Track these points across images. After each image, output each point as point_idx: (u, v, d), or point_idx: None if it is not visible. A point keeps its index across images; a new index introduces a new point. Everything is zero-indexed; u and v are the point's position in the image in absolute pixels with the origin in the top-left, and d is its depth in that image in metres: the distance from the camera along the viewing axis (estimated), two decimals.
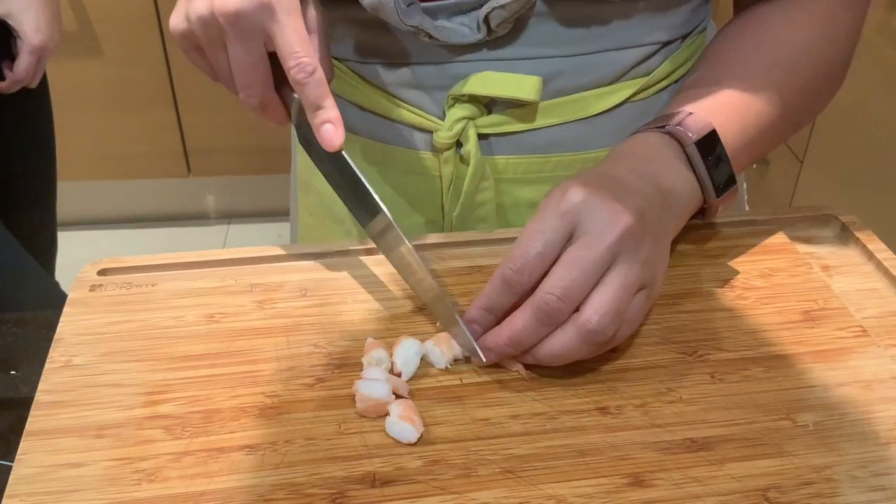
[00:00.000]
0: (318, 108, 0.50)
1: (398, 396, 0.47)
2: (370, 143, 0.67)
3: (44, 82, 1.19)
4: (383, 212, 0.52)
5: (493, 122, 0.62)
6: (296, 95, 0.51)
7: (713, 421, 0.46)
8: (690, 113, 0.54)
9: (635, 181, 0.50)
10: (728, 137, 0.54)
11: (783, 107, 0.58)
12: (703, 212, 0.56)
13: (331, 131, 0.50)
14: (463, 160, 0.63)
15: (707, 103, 0.56)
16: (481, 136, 0.62)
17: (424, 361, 0.49)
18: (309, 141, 0.53)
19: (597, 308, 0.45)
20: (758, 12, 0.62)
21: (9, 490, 0.42)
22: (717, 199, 0.54)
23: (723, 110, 0.56)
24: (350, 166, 0.52)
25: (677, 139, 0.53)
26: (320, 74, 0.49)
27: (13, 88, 1.07)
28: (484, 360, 0.48)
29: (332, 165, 0.53)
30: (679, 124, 0.53)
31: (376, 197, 0.52)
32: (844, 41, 0.61)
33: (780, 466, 0.43)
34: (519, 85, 0.60)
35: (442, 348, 0.49)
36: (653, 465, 0.43)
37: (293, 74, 0.49)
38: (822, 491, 0.42)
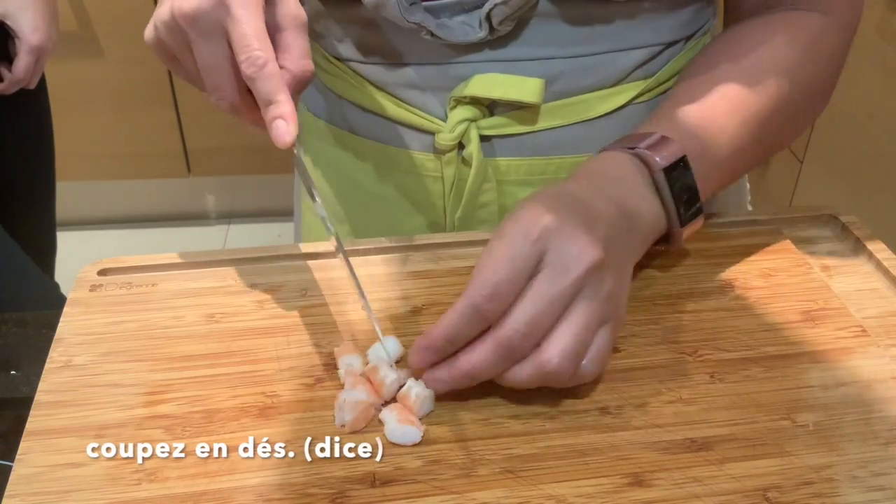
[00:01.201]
0: (269, 102, 0.48)
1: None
2: (372, 144, 0.67)
3: (42, 83, 1.18)
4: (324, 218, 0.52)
5: (495, 124, 0.62)
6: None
7: (713, 421, 0.46)
8: (662, 136, 0.52)
9: (602, 205, 0.48)
10: (699, 163, 0.53)
11: (759, 130, 0.57)
12: (666, 238, 0.54)
13: (282, 127, 0.48)
14: (465, 162, 0.63)
15: (681, 125, 0.54)
16: (483, 138, 0.62)
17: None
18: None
19: (557, 349, 0.43)
20: (741, 29, 0.61)
21: (9, 490, 0.42)
22: (681, 227, 0.52)
23: (697, 133, 0.54)
24: (303, 167, 0.52)
25: (646, 163, 0.52)
26: (272, 68, 0.47)
27: (12, 89, 1.06)
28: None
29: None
30: (649, 147, 0.52)
31: (320, 205, 0.51)
32: (827, 63, 0.60)
33: (780, 466, 0.43)
34: (521, 87, 0.59)
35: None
36: (653, 465, 0.43)
37: (243, 69, 0.47)
38: (822, 491, 0.42)
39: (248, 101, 0.50)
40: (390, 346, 0.49)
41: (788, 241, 0.60)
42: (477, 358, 0.44)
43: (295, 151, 0.50)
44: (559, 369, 0.43)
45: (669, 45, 0.63)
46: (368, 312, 0.50)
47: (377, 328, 0.49)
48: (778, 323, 0.53)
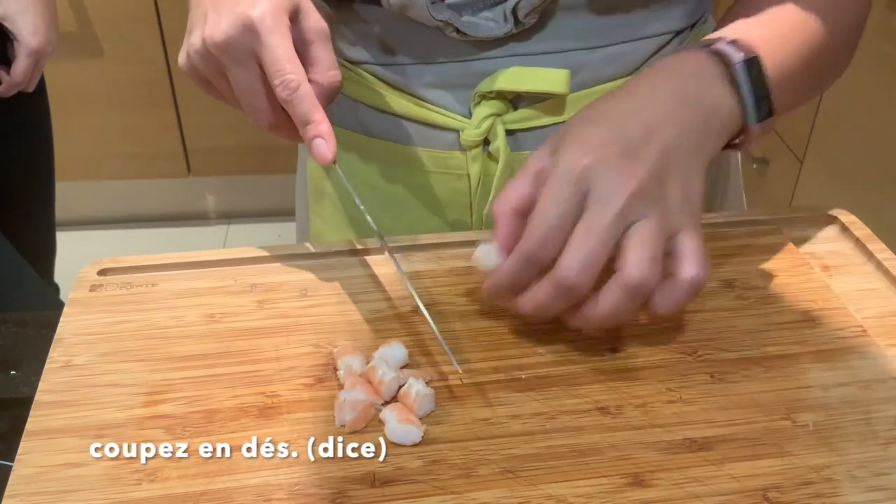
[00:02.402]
0: (306, 122, 0.50)
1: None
2: (391, 146, 0.67)
3: (41, 85, 1.18)
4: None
5: (520, 118, 0.62)
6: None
7: (713, 421, 0.46)
8: (735, 38, 0.53)
9: (672, 107, 0.49)
10: (769, 67, 0.53)
11: (812, 57, 0.57)
12: (739, 140, 0.54)
13: (322, 145, 0.50)
14: (491, 157, 0.63)
15: (748, 34, 0.55)
16: (508, 132, 0.63)
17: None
18: None
19: (633, 263, 0.45)
20: None
21: (9, 490, 0.42)
22: (756, 124, 0.53)
23: (762, 42, 0.54)
24: (343, 181, 0.52)
25: (724, 57, 0.52)
26: (306, 89, 0.49)
27: (10, 92, 1.06)
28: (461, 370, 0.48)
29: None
30: (726, 44, 0.52)
31: (367, 215, 0.53)
32: (854, 16, 0.61)
33: (780, 466, 0.43)
34: (548, 78, 0.60)
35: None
36: (653, 465, 0.43)
37: (278, 93, 0.49)
38: (822, 491, 0.42)
39: (285, 118, 0.52)
40: (397, 352, 0.49)
41: (788, 241, 0.60)
42: (539, 298, 0.46)
43: (335, 166, 0.52)
44: (642, 278, 0.44)
45: (678, 33, 0.65)
46: (426, 317, 0.50)
47: (435, 331, 0.49)
48: (778, 323, 0.53)
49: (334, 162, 0.51)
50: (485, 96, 0.62)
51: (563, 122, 0.63)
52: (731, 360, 0.50)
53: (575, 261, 0.45)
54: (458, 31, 0.58)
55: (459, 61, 0.62)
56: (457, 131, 0.63)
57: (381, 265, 0.58)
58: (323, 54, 0.52)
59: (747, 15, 0.58)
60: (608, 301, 0.46)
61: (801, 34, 0.57)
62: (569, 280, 0.45)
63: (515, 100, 0.62)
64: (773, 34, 0.56)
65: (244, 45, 0.49)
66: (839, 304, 0.54)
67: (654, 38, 0.63)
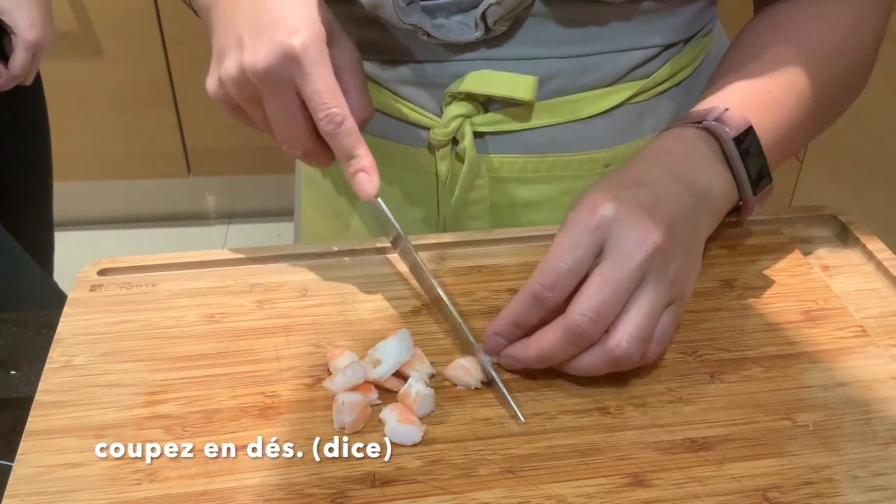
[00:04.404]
0: (350, 157, 0.50)
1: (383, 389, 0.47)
2: (367, 138, 0.67)
3: (37, 80, 1.18)
4: (401, 235, 0.54)
5: (490, 121, 0.62)
6: None
7: (713, 421, 0.46)
8: (726, 109, 0.53)
9: (669, 185, 0.49)
10: (763, 134, 0.53)
11: (815, 102, 0.57)
12: (737, 210, 0.55)
13: (364, 180, 0.50)
14: (458, 157, 0.63)
15: (740, 98, 0.55)
16: (477, 135, 0.63)
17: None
18: None
19: (626, 333, 0.44)
20: (783, 8, 0.61)
21: (9, 490, 0.42)
22: (754, 196, 0.53)
23: (757, 106, 0.55)
24: (384, 211, 0.53)
25: (714, 135, 0.52)
26: (350, 124, 0.49)
27: (8, 86, 1.06)
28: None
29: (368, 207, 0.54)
30: (716, 120, 0.53)
31: (397, 225, 0.53)
32: (871, 38, 0.61)
33: (780, 466, 0.43)
34: (515, 84, 0.60)
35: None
36: (653, 465, 0.43)
37: (322, 126, 0.49)
38: (822, 491, 0.42)
39: (321, 147, 0.52)
40: (401, 347, 0.49)
41: (788, 241, 0.60)
42: (547, 343, 0.46)
43: (379, 200, 0.52)
44: (628, 353, 0.44)
45: (668, 46, 0.63)
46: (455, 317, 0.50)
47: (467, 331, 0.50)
48: (778, 323, 0.53)
49: (377, 197, 0.51)
50: (455, 97, 0.61)
51: (532, 128, 0.63)
52: (731, 360, 0.50)
53: (590, 309, 0.44)
54: (428, 34, 0.58)
55: (433, 62, 0.62)
56: (428, 129, 0.63)
57: (381, 265, 0.58)
58: (357, 82, 0.53)
59: (740, 70, 0.57)
60: (587, 361, 0.46)
61: (799, 86, 0.57)
62: (581, 326, 0.44)
63: (487, 102, 0.62)
64: (768, 92, 0.56)
65: (285, 75, 0.48)
66: (839, 304, 0.54)
67: (638, 51, 0.62)
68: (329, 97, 0.48)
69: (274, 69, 0.48)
